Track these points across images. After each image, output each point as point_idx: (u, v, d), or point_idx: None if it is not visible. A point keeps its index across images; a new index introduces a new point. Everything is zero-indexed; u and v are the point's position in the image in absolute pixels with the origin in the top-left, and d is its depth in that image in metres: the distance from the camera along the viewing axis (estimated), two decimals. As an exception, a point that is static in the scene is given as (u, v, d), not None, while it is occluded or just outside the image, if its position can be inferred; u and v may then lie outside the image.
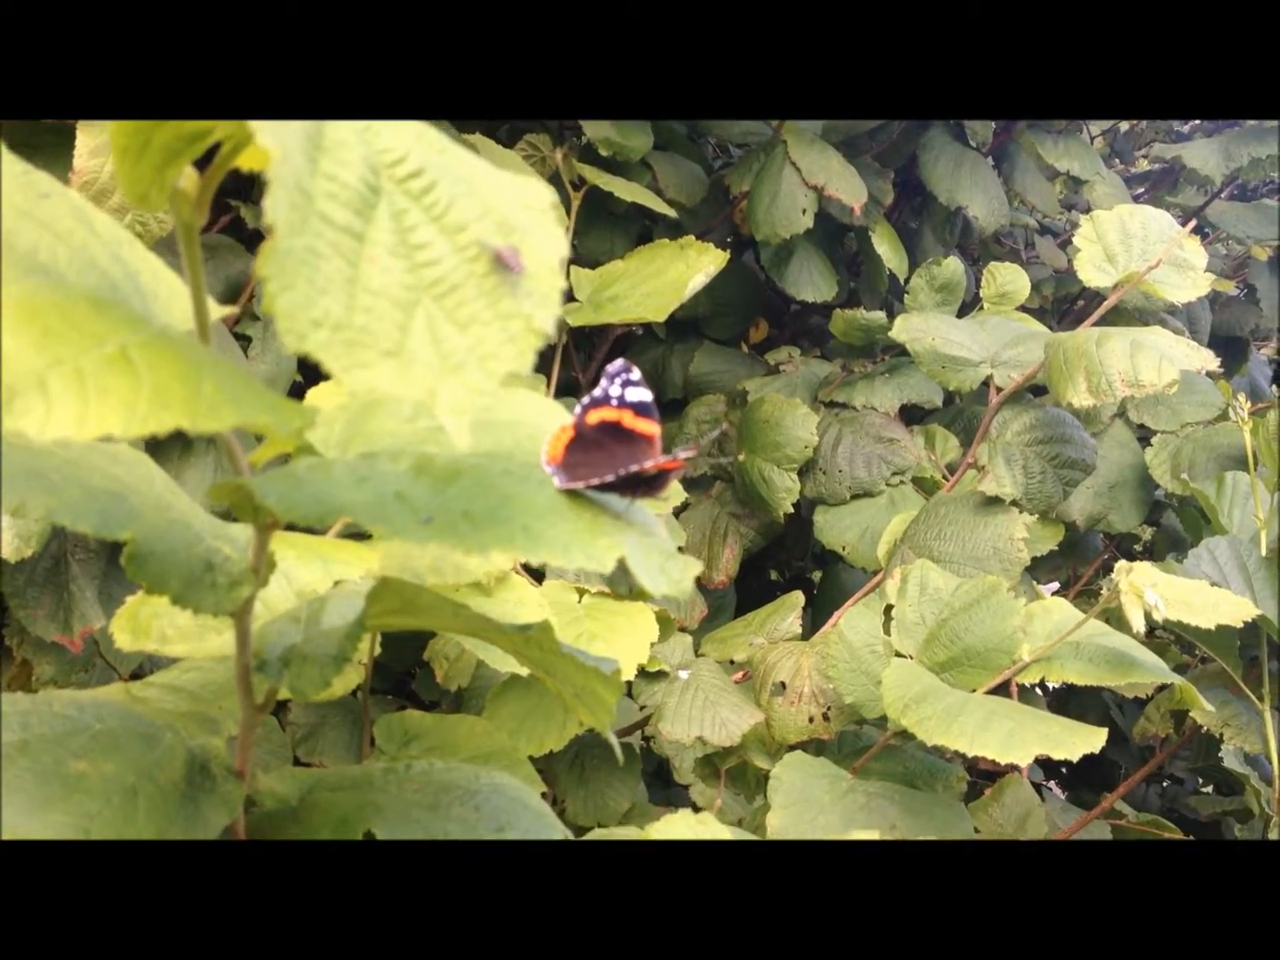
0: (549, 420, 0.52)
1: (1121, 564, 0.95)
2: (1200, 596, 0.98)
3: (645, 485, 0.47)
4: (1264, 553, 1.22)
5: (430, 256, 0.34)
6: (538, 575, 1.09)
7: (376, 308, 0.32)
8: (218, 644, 0.67)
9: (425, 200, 0.35)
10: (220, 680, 0.72)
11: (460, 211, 0.35)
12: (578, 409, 0.51)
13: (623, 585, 1.05)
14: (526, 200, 0.36)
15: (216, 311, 0.47)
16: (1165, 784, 1.99)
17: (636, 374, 0.51)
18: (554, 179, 1.39)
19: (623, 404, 0.51)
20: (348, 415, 0.53)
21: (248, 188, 1.22)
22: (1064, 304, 2.12)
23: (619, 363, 0.52)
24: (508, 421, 0.50)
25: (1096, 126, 2.32)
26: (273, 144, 0.29)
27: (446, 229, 0.34)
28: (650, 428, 0.50)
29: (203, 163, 0.40)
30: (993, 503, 1.31)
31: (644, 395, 0.51)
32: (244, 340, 1.11)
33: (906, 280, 1.64)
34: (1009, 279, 1.61)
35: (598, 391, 0.51)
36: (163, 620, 0.67)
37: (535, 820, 0.58)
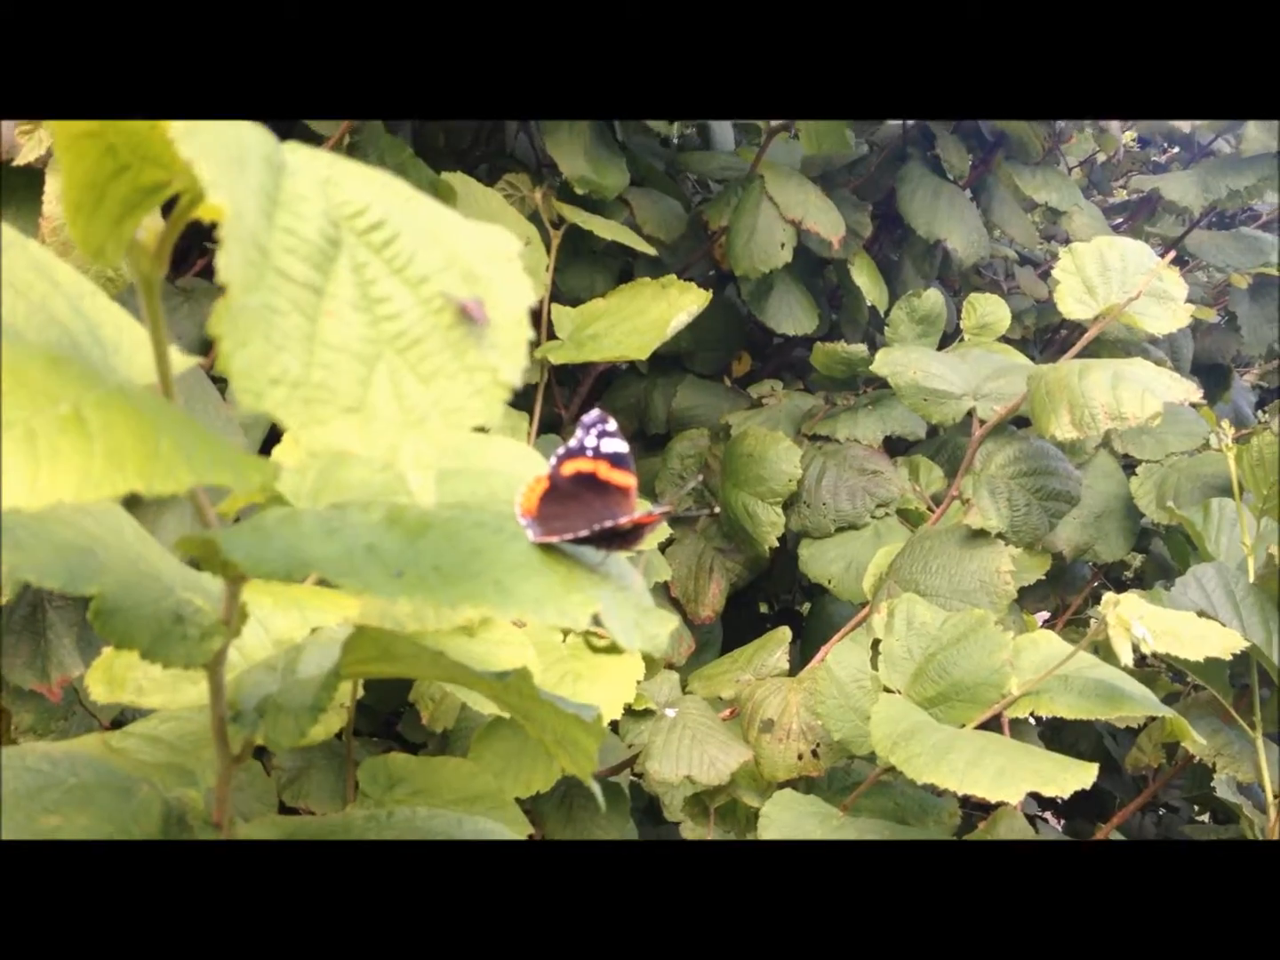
0: (525, 468, 0.51)
1: (1109, 596, 0.94)
2: (1188, 628, 0.97)
3: (620, 539, 0.46)
4: (1251, 579, 1.22)
5: (392, 310, 0.33)
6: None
7: (336, 363, 0.31)
8: (194, 694, 0.66)
9: (387, 252, 0.34)
10: (198, 730, 0.71)
11: (423, 263, 0.34)
12: (553, 460, 0.51)
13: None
14: (492, 250, 0.36)
15: (184, 362, 0.47)
16: (1160, 813, 1.98)
17: (612, 425, 0.51)
18: (534, 218, 1.39)
19: (598, 455, 0.50)
20: (320, 463, 0.53)
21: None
22: (1046, 334, 2.13)
23: (594, 413, 0.51)
24: (482, 470, 0.49)
25: (1074, 157, 2.33)
26: (226, 201, 0.28)
27: (409, 281, 0.34)
28: (626, 479, 0.50)
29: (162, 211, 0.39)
30: (978, 536, 1.30)
31: (619, 446, 0.50)
32: (221, 383, 1.11)
33: (887, 312, 1.64)
34: (989, 310, 1.61)
35: (573, 442, 0.51)
36: (138, 672, 0.66)
37: (518, 870, 0.57)
